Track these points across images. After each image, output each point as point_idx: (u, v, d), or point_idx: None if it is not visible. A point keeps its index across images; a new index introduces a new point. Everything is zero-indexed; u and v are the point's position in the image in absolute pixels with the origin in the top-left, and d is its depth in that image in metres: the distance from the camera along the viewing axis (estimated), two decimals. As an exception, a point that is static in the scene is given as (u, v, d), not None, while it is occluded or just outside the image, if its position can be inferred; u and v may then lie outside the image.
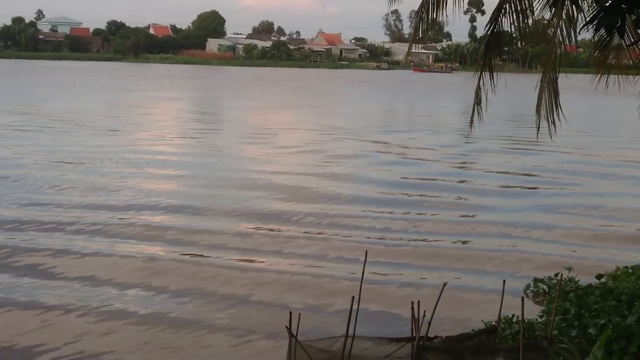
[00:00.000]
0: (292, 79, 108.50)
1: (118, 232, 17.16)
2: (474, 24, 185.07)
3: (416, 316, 9.27)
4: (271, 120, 46.38)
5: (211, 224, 18.14)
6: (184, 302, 13.00)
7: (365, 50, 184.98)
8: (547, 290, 13.34)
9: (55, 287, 13.43)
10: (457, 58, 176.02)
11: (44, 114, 45.30)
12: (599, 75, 12.60)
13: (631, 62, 12.66)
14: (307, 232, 17.77)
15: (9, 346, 10.84)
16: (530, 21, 10.97)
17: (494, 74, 11.09)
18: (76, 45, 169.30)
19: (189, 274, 14.58)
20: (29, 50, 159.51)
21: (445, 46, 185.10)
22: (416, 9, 11.07)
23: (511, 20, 10.81)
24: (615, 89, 12.96)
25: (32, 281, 13.60)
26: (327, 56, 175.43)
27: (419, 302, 9.30)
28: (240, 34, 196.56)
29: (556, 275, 12.96)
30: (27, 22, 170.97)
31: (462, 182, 24.78)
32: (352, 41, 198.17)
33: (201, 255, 15.81)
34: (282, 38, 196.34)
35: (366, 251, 10.00)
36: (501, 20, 10.69)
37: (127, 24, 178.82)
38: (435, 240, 17.58)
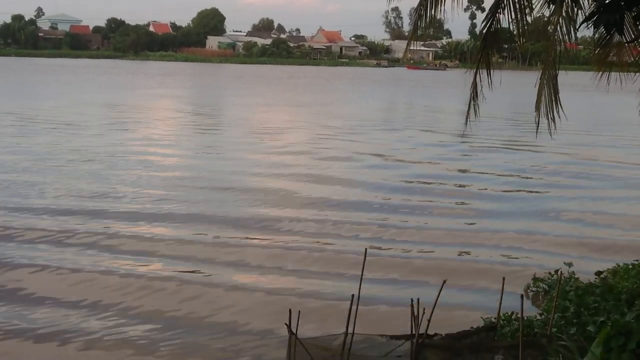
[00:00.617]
0: (294, 77, 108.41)
1: (109, 239, 16.79)
2: (474, 21, 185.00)
3: (415, 314, 9.27)
4: (273, 119, 46.27)
5: (207, 230, 17.82)
6: (184, 300, 13.01)
7: (365, 48, 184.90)
8: (546, 288, 13.34)
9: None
10: (457, 55, 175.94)
11: (43, 114, 45.22)
12: (600, 73, 12.60)
13: (632, 60, 12.67)
14: (305, 235, 17.62)
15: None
16: (529, 18, 10.96)
17: (491, 70, 11.08)
18: (76, 42, 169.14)
19: (187, 276, 14.60)
20: (29, 48, 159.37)
21: (445, 43, 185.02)
22: (415, 6, 11.05)
23: (510, 17, 10.80)
24: (617, 86, 12.97)
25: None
26: (327, 54, 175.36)
27: (418, 299, 9.29)
28: (240, 31, 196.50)
29: (556, 272, 12.95)
30: (27, 19, 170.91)
31: (460, 184, 24.54)
32: (352, 39, 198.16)
33: (198, 268, 15.79)
34: (282, 35, 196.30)
35: (365, 249, 9.99)
36: (498, 17, 10.67)
37: (127, 22, 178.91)
38: (435, 240, 17.56)
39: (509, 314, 10.35)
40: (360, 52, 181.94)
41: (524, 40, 11.46)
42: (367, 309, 11.12)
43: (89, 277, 13.99)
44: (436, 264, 15.39)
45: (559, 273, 11.02)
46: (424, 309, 9.33)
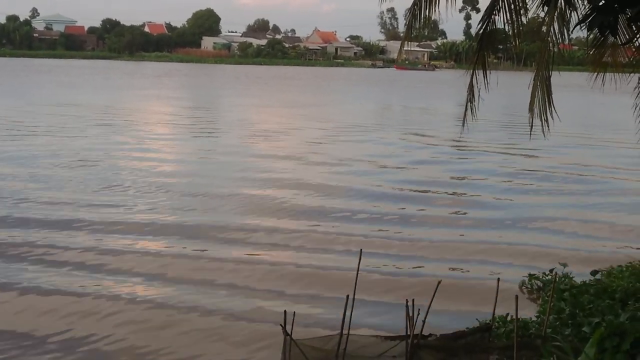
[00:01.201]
0: (289, 78, 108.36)
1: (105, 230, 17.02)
2: (469, 21, 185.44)
3: (410, 314, 9.28)
4: (269, 121, 45.96)
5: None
6: (176, 303, 12.99)
7: (361, 49, 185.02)
8: (541, 286, 13.36)
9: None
10: (452, 56, 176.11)
11: (42, 112, 45.20)
12: (595, 74, 12.64)
13: (627, 60, 12.71)
14: (302, 233, 17.71)
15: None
16: (524, 19, 10.99)
17: (487, 71, 11.10)
18: (71, 43, 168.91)
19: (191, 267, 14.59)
20: (24, 49, 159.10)
21: (440, 44, 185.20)
22: (409, 7, 11.07)
23: (505, 18, 10.82)
24: (612, 87, 13.00)
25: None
26: (322, 54, 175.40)
27: (413, 300, 9.30)
28: (236, 32, 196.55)
29: (551, 271, 12.98)
30: (21, 20, 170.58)
31: (454, 190, 24.13)
32: (348, 39, 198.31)
33: (202, 253, 15.78)
34: (278, 36, 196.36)
35: (361, 250, 9.98)
36: (494, 18, 10.70)
37: (122, 22, 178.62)
38: (431, 239, 17.56)
39: (505, 315, 10.37)
40: (355, 53, 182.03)
41: (519, 41, 11.48)
42: (362, 308, 11.08)
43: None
44: (431, 267, 15.37)
45: (553, 272, 11.06)
46: (419, 309, 9.35)
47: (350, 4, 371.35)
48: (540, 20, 11.31)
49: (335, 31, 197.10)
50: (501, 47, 13.49)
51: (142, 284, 13.93)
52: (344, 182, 24.19)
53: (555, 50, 11.10)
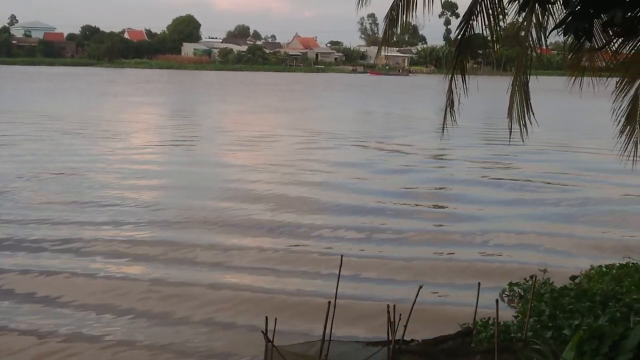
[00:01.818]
0: (271, 83, 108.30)
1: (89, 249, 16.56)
2: (449, 27, 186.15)
3: (392, 320, 9.28)
4: (253, 127, 45.87)
5: (185, 238, 17.67)
6: (161, 313, 12.94)
7: (341, 54, 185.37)
8: (522, 293, 13.41)
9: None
10: (432, 61, 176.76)
11: (23, 121, 44.87)
12: (573, 78, 12.74)
13: (604, 64, 12.82)
14: (283, 243, 17.61)
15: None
16: (503, 24, 11.04)
17: (466, 76, 11.13)
18: (50, 50, 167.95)
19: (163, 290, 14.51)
20: (3, 56, 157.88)
21: (420, 49, 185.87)
22: (387, 12, 11.09)
23: (484, 23, 10.86)
24: (590, 91, 13.09)
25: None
26: (303, 60, 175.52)
27: (394, 305, 9.30)
28: (216, 38, 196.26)
29: (531, 277, 13.03)
30: (0, 27, 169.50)
31: (434, 195, 24.36)
32: (328, 45, 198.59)
33: (174, 269, 15.70)
34: (258, 42, 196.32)
35: (341, 255, 10.00)
36: (472, 23, 10.74)
37: (101, 29, 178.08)
38: (413, 245, 17.62)
39: (486, 319, 10.41)
40: (336, 59, 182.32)
41: (498, 46, 11.54)
42: (343, 313, 11.08)
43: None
44: (413, 270, 15.40)
45: (534, 278, 11.10)
46: (400, 314, 9.35)
47: (331, 10, 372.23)
48: (519, 25, 11.38)
49: (316, 37, 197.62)
50: (480, 52, 13.55)
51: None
52: (323, 195, 23.61)
53: (534, 55, 11.17)
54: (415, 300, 9.56)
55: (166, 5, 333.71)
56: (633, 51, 11.75)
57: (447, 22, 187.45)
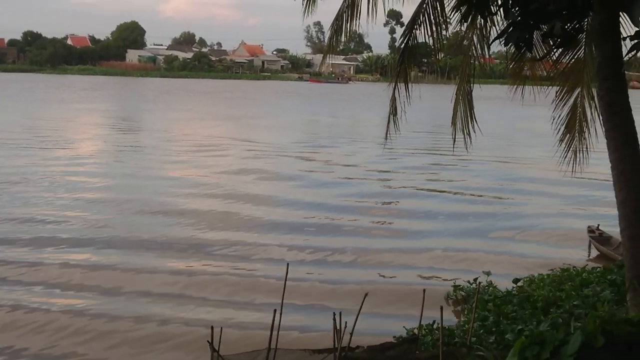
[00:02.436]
0: (218, 91, 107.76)
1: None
2: (394, 35, 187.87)
3: (338, 327, 9.30)
4: (203, 134, 45.53)
5: (124, 256, 17.10)
6: (98, 327, 12.75)
7: (287, 62, 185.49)
8: (465, 296, 13.59)
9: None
10: (377, 69, 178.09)
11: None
12: (515, 86, 12.99)
13: (545, 74, 13.11)
14: (226, 257, 17.41)
15: None
16: (446, 33, 11.20)
17: (410, 85, 11.24)
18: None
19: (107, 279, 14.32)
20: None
21: (366, 57, 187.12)
22: (332, 20, 11.16)
23: (427, 32, 11.00)
24: (531, 99, 13.34)
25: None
26: (249, 67, 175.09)
27: (340, 313, 9.33)
28: (161, 45, 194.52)
29: (475, 280, 13.21)
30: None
31: (381, 202, 24.46)
32: (274, 52, 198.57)
33: (128, 265, 15.48)
34: (204, 49, 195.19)
35: (287, 264, 9.97)
36: (416, 32, 10.86)
37: (43, 35, 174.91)
38: (357, 253, 17.67)
39: (431, 324, 10.49)
40: (282, 66, 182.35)
41: (441, 55, 11.70)
42: (289, 321, 11.06)
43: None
44: (358, 279, 15.45)
45: (477, 282, 11.25)
46: (346, 322, 9.38)
47: (277, 17, 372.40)
48: (462, 34, 11.57)
49: (262, 44, 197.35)
50: (425, 60, 13.70)
51: (68, 297, 13.67)
52: (251, 209, 23.02)
53: (477, 64, 11.36)
54: (360, 308, 9.60)
55: (110, 12, 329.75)
56: (572, 61, 12.04)
57: (392, 31, 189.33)
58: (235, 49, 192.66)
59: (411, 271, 16.26)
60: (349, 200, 24.57)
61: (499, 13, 7.73)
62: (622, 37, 8.95)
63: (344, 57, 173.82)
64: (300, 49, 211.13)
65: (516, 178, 30.09)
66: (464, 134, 10.58)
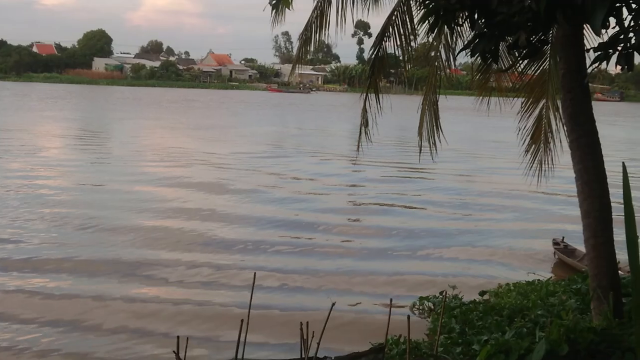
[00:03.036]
0: (186, 100, 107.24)
1: None
2: (362, 46, 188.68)
3: (305, 337, 9.27)
4: (171, 144, 45.15)
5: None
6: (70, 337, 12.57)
7: (256, 72, 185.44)
8: (432, 307, 13.64)
9: None
10: (345, 79, 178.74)
11: None
12: (481, 97, 13.13)
13: (510, 85, 13.27)
14: (193, 266, 17.30)
15: None
16: (414, 44, 11.29)
17: (380, 95, 11.31)
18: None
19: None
20: None
21: (334, 68, 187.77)
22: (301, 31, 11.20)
23: (395, 44, 11.09)
24: (497, 110, 13.48)
25: None
26: (217, 77, 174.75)
27: (307, 323, 9.30)
28: (128, 53, 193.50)
29: (441, 293, 13.26)
30: None
31: (346, 217, 24.14)
32: (242, 62, 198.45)
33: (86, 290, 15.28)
34: (171, 58, 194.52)
35: (254, 273, 9.92)
36: (385, 44, 10.94)
37: (8, 42, 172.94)
38: (322, 268, 17.58)
39: (397, 336, 10.50)
40: (250, 76, 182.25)
41: (410, 66, 11.79)
42: (256, 333, 11.00)
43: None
44: (323, 289, 15.42)
45: (444, 293, 11.30)
46: (313, 332, 9.35)
47: (245, 27, 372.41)
48: (429, 45, 11.67)
49: (230, 54, 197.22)
50: (393, 71, 13.79)
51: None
52: (242, 210, 23.48)
53: (443, 75, 11.46)
54: (328, 317, 9.59)
55: (77, 20, 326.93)
56: (537, 73, 12.20)
57: (360, 42, 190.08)
58: (204, 58, 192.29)
59: (369, 293, 15.77)
60: (307, 215, 24.19)
61: (465, 24, 7.80)
62: (585, 49, 9.09)
63: (312, 67, 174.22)
64: (268, 58, 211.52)
65: (481, 192, 30.10)
66: (429, 143, 10.66)
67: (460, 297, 13.06)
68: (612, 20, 6.44)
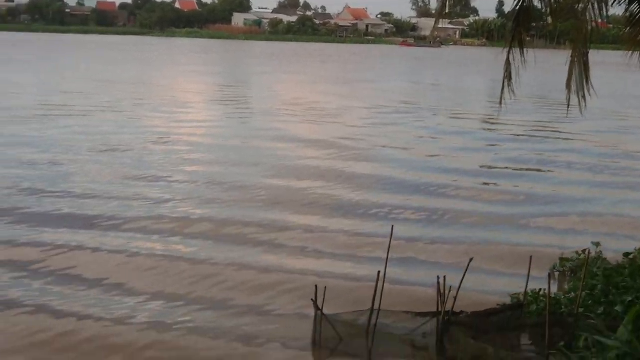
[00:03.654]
0: (325, 54, 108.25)
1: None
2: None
3: (442, 291, 9.30)
4: (317, 97, 45.71)
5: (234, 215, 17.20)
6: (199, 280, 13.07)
7: (392, 26, 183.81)
8: (573, 268, 13.26)
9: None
10: (484, 34, 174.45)
11: (97, 91, 45.43)
12: (631, 52, 12.49)
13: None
14: (337, 223, 17.48)
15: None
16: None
17: (524, 49, 11.00)
18: (102, 19, 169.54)
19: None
20: (56, 24, 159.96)
21: (472, 22, 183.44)
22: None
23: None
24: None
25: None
26: (353, 31, 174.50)
27: (444, 277, 9.31)
28: (266, 8, 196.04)
29: (583, 251, 12.86)
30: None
31: (485, 175, 23.72)
32: (379, 16, 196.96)
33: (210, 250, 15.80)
34: (308, 13, 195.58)
35: (392, 226, 10.00)
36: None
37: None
38: (466, 223, 17.38)
39: (537, 291, 10.29)
40: (386, 30, 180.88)
41: (555, 19, 11.38)
42: (393, 285, 11.08)
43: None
44: (463, 247, 15.24)
45: (586, 253, 10.96)
46: (450, 287, 9.35)
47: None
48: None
49: (366, 8, 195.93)
50: (534, 24, 13.34)
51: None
52: (377, 172, 22.91)
53: (592, 27, 10.98)
54: (465, 271, 9.56)
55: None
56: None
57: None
58: (340, 13, 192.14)
59: (517, 234, 16.05)
60: (486, 165, 24.67)
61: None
62: None
63: (449, 21, 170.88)
64: (405, 12, 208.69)
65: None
66: (578, 97, 10.29)
67: (603, 257, 12.64)
68: None
